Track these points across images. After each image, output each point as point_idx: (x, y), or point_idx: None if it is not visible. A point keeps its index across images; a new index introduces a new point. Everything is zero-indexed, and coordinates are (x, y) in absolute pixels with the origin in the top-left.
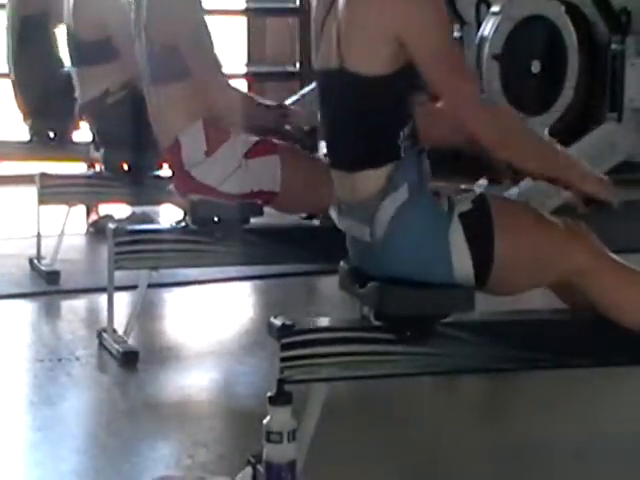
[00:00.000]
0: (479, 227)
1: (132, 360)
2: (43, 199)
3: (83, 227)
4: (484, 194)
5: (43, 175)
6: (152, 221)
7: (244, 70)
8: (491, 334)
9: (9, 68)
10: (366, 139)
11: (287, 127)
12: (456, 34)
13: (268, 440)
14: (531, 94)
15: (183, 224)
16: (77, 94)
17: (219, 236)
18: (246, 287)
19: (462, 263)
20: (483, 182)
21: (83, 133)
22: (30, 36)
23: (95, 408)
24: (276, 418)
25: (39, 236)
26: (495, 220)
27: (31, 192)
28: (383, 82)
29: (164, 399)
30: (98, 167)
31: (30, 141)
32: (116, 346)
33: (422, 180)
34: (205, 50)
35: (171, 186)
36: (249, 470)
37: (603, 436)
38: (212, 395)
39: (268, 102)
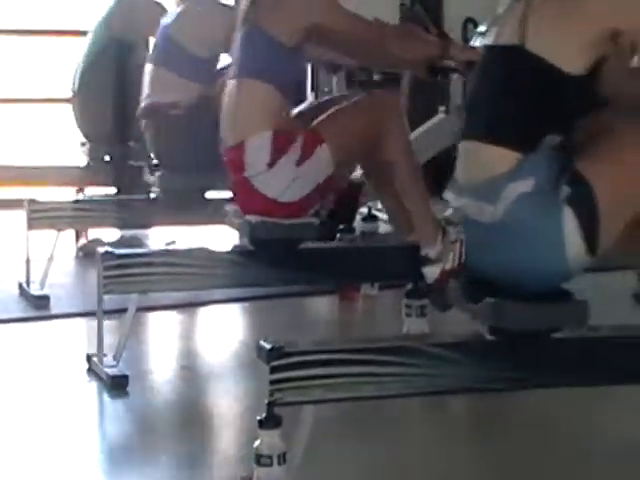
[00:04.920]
0: (586, 207)
1: (122, 384)
2: (32, 224)
3: (72, 251)
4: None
5: (32, 200)
6: (141, 245)
7: None
8: (481, 354)
9: (74, 90)
10: (521, 121)
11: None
12: None
13: (258, 463)
14: None
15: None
16: (144, 94)
17: (277, 257)
18: (235, 309)
19: (574, 243)
20: None
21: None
22: (108, 59)
23: (85, 433)
24: (266, 441)
25: (28, 261)
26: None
27: (20, 216)
28: (576, 84)
29: (155, 423)
30: (153, 194)
31: (88, 165)
32: (106, 370)
33: (550, 182)
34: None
35: (228, 206)
36: None
37: (596, 455)
38: (202, 418)
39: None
